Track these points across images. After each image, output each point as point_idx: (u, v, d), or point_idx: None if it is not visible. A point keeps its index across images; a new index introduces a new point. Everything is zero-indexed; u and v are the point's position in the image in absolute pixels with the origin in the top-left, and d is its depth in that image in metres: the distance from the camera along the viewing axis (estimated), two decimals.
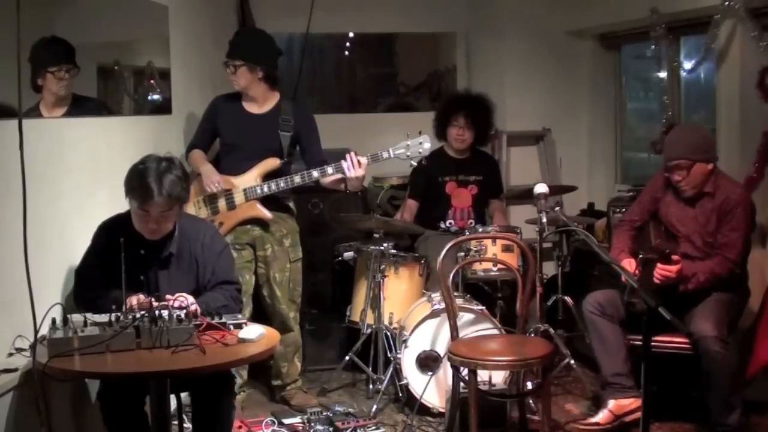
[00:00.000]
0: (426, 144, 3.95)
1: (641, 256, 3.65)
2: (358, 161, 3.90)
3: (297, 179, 4.01)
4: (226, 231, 4.05)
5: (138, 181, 2.95)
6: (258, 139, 4.10)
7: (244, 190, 4.04)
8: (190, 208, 4.07)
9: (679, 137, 3.83)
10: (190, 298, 2.90)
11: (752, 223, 3.78)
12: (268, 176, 4.05)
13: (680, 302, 3.60)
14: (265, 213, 4.07)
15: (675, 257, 3.62)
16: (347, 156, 3.91)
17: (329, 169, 3.98)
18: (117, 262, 2.76)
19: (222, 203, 4.07)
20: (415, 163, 4.06)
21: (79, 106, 3.28)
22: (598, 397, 4.09)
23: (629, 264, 3.74)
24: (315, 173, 4.00)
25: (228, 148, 4.19)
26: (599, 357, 3.87)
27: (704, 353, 3.52)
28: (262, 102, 4.17)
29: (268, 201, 4.09)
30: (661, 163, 3.93)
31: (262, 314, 4.21)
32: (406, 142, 3.96)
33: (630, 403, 3.76)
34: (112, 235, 2.99)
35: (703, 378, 3.56)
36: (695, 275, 3.65)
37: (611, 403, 3.80)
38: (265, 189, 4.03)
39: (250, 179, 4.06)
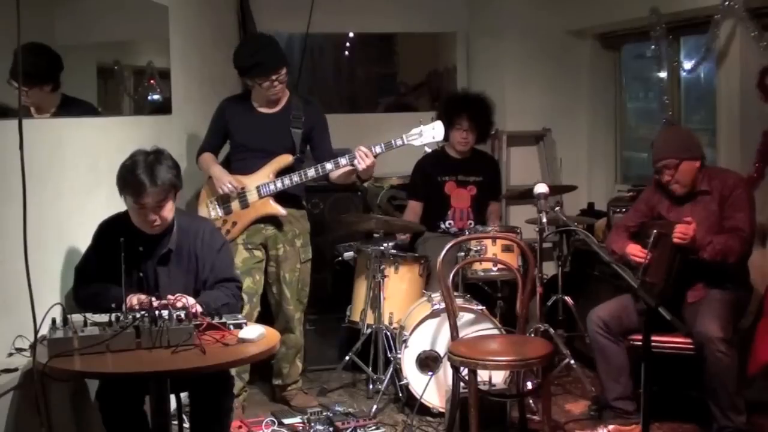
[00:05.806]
0: (440, 129, 3.93)
1: (655, 231, 3.62)
2: (365, 153, 3.88)
3: (311, 172, 3.98)
4: (240, 230, 4.02)
5: (129, 176, 2.97)
6: (271, 137, 4.06)
7: (257, 187, 4.00)
8: (203, 210, 4.06)
9: (664, 139, 3.89)
10: (192, 299, 2.90)
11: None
12: (280, 173, 4.02)
13: (682, 301, 3.61)
14: (279, 209, 4.02)
15: (687, 219, 3.58)
16: (356, 152, 3.90)
17: (342, 160, 3.95)
18: (116, 260, 2.78)
19: (235, 203, 4.03)
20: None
21: (67, 108, 3.23)
22: (598, 396, 4.09)
23: (636, 248, 3.73)
24: (329, 165, 3.97)
25: (239, 148, 4.13)
26: (602, 377, 3.84)
27: (709, 354, 3.46)
28: (276, 101, 4.14)
29: (283, 199, 4.05)
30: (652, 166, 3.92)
31: (267, 314, 4.21)
32: (419, 128, 3.94)
33: (631, 429, 3.70)
34: (112, 233, 3.01)
35: (708, 380, 3.50)
36: (710, 243, 3.57)
37: (612, 427, 3.75)
38: (279, 185, 4.00)
39: (262, 176, 4.02)
